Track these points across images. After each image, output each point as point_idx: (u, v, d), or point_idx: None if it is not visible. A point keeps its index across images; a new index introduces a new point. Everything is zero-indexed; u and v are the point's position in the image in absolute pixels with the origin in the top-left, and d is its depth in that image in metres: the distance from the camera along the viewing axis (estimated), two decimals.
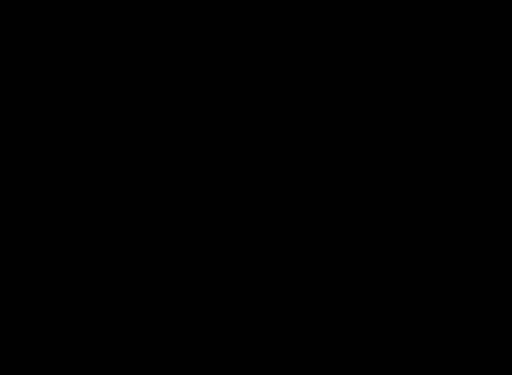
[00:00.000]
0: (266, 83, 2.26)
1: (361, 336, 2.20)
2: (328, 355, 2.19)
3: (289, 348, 2.19)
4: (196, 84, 2.26)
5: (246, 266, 2.22)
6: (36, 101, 2.25)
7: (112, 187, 2.24)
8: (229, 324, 2.21)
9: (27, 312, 2.20)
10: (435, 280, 2.20)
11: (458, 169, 2.23)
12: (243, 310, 2.21)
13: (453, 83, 2.25)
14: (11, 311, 2.20)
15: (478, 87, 2.24)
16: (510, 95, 2.24)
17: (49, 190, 2.23)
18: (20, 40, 2.26)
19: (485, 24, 2.24)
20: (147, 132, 2.25)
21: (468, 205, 2.22)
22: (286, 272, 2.22)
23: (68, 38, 2.26)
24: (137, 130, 2.25)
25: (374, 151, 2.24)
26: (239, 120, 2.25)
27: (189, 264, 2.22)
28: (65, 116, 2.25)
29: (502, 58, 2.24)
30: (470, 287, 2.20)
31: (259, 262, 2.22)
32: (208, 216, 2.24)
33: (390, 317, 2.20)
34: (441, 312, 2.19)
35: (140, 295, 2.21)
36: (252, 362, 2.19)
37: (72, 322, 2.20)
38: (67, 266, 2.22)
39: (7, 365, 2.18)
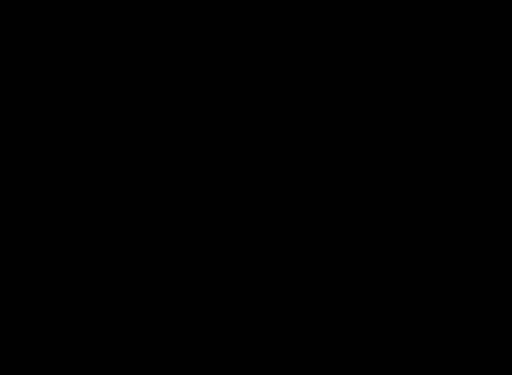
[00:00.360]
0: (266, 84, 2.26)
1: (361, 336, 2.20)
2: (328, 355, 2.19)
3: (290, 348, 2.20)
4: (196, 84, 2.27)
5: (246, 266, 2.22)
6: (36, 101, 2.26)
7: (112, 187, 2.24)
8: (229, 324, 2.21)
9: (27, 312, 2.20)
10: (435, 280, 2.21)
11: (458, 169, 2.23)
12: (243, 310, 2.21)
13: (453, 83, 2.25)
14: (11, 311, 2.20)
15: (478, 87, 2.25)
16: (510, 95, 2.24)
17: (49, 190, 2.23)
18: (20, 40, 2.26)
19: (485, 24, 2.25)
20: (146, 132, 2.26)
21: (468, 205, 2.22)
22: (286, 272, 2.22)
23: (68, 38, 2.26)
24: (137, 130, 2.26)
25: (374, 151, 2.24)
26: (238, 120, 2.26)
27: (189, 264, 2.23)
28: (65, 116, 2.26)
29: (502, 59, 2.24)
30: (470, 287, 2.20)
31: (259, 262, 2.22)
32: (207, 215, 2.24)
33: (390, 317, 2.20)
34: (441, 312, 2.20)
35: (140, 295, 2.22)
36: (252, 362, 2.20)
37: (72, 322, 2.20)
38: (67, 266, 2.22)
39: (7, 365, 2.18)
